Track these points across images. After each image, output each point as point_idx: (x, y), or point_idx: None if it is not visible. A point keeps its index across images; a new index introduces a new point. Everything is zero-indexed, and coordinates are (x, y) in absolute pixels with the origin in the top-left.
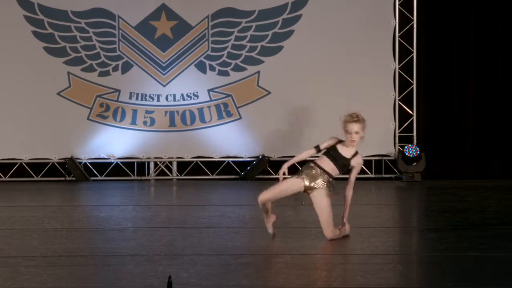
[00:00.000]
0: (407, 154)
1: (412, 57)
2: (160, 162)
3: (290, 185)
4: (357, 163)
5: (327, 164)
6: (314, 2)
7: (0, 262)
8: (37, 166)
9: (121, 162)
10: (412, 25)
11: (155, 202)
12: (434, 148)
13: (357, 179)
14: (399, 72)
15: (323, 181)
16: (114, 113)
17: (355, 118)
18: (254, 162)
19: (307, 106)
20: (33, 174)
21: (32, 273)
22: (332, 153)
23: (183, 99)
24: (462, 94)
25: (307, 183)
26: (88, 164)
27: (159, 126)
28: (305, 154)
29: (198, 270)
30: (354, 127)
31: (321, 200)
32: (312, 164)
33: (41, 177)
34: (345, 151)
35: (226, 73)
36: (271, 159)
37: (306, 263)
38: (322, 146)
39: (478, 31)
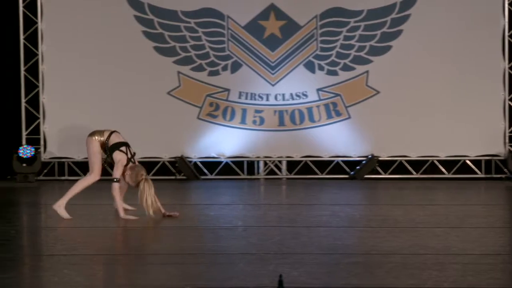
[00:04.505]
0: None
1: None
2: (270, 161)
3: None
4: None
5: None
6: (422, 2)
7: (111, 259)
8: (148, 165)
9: (231, 161)
10: None
11: (264, 201)
12: None
13: (466, 179)
14: (508, 72)
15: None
16: (223, 112)
17: None
18: (364, 162)
19: (416, 105)
20: None
21: (144, 271)
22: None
23: (292, 99)
24: None
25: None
26: (198, 163)
27: (268, 125)
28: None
29: (308, 269)
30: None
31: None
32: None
33: (152, 175)
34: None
35: (335, 73)
36: (380, 158)
37: (416, 262)
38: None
39: None
